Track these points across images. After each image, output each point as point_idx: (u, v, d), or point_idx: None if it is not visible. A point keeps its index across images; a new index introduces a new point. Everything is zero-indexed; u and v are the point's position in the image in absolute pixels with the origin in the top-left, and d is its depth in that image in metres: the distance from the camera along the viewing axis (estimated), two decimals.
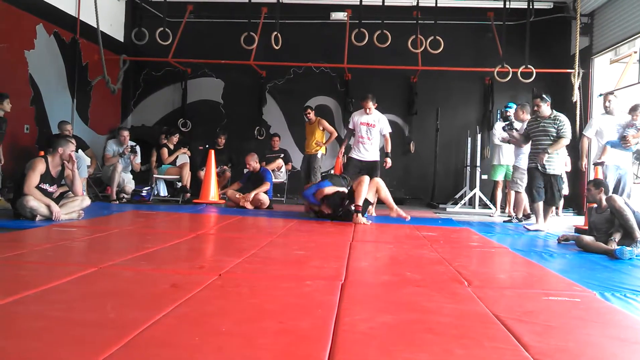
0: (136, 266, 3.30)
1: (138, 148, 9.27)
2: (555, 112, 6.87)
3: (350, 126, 8.13)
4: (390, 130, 8.06)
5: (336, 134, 9.89)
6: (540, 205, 6.85)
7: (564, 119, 6.79)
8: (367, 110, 7.84)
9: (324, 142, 9.67)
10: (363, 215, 6.60)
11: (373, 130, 7.84)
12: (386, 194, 6.87)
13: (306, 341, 2.01)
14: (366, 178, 6.71)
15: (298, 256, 4.08)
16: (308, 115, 9.70)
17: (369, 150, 7.88)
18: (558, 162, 6.82)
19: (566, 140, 6.73)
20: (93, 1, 8.63)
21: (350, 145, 8.20)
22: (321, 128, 9.64)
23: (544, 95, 6.89)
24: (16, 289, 2.55)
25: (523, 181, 7.61)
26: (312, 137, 9.67)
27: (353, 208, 6.59)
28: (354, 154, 7.96)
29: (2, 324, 2.08)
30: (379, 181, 6.85)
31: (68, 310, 2.29)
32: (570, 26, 10.61)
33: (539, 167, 6.74)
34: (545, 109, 6.84)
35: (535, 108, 6.91)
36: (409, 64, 10.55)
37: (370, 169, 7.77)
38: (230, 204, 8.77)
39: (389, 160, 7.90)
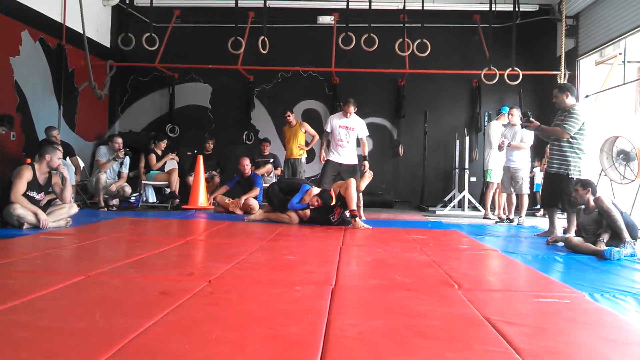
0: (125, 274, 3.28)
1: (127, 159, 9.24)
2: (575, 104, 6.05)
3: (328, 129, 8.10)
4: (368, 134, 8.05)
5: (318, 137, 9.76)
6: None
7: (576, 112, 5.91)
8: (348, 114, 7.85)
9: (306, 145, 9.63)
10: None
11: (352, 133, 7.86)
12: (352, 195, 6.61)
13: (296, 347, 2.00)
14: (352, 181, 6.70)
15: (288, 261, 4.08)
16: (288, 118, 9.64)
17: (347, 153, 7.88)
18: (579, 164, 5.96)
19: (561, 132, 5.89)
20: (79, 7, 8.59)
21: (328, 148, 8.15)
22: (303, 130, 9.60)
23: (562, 84, 6.33)
24: (3, 298, 2.52)
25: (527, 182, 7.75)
26: (294, 141, 9.59)
27: (349, 214, 6.64)
28: (332, 157, 7.94)
29: None
30: (352, 181, 6.77)
31: (56, 320, 2.27)
32: (556, 28, 10.70)
33: (553, 171, 6.10)
34: (564, 100, 6.00)
35: (553, 99, 6.15)
36: (396, 67, 10.59)
37: (350, 172, 7.77)
38: (220, 209, 8.74)
39: (366, 163, 7.89)
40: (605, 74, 10.04)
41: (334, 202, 6.72)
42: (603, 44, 9.42)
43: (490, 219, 8.70)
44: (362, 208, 7.91)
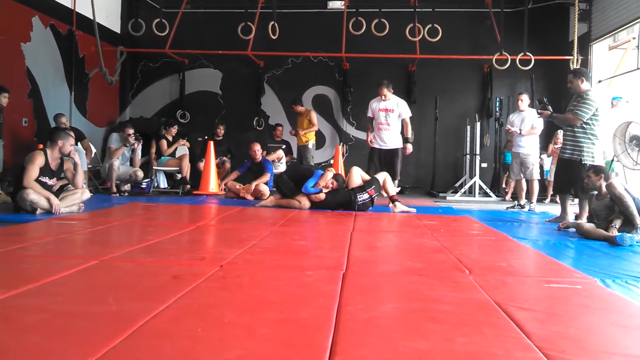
0: (137, 258, 3.31)
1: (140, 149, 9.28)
2: (590, 89, 5.93)
3: (370, 114, 8.10)
4: (410, 115, 7.94)
5: (317, 128, 9.93)
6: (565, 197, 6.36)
7: (589, 97, 5.78)
8: (382, 96, 7.80)
9: (303, 132, 9.80)
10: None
11: (392, 115, 7.80)
12: (390, 185, 6.98)
13: (308, 331, 2.01)
14: (386, 174, 6.98)
15: (299, 246, 4.09)
16: (296, 110, 9.89)
17: (389, 137, 7.82)
18: (592, 150, 5.84)
19: (573, 119, 5.80)
20: None
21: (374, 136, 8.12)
22: (308, 118, 9.71)
23: (576, 69, 6.27)
24: (17, 282, 2.55)
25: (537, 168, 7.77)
26: (300, 129, 9.85)
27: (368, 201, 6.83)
28: (375, 144, 7.94)
29: (3, 317, 2.08)
30: (386, 174, 6.95)
31: (70, 303, 2.29)
32: (569, 12, 10.57)
33: (566, 157, 6.01)
34: (579, 85, 5.88)
35: (568, 84, 6.06)
36: (407, 53, 10.52)
37: (390, 156, 7.75)
38: (231, 195, 8.77)
39: (409, 145, 7.81)
40: (618, 59, 9.93)
41: (360, 185, 6.86)
42: (616, 28, 9.30)
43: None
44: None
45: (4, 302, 2.27)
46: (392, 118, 7.80)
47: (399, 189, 7.83)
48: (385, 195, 7.17)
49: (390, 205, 7.01)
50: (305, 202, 6.87)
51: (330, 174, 6.87)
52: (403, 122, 7.86)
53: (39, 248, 3.68)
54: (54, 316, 2.10)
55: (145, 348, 1.79)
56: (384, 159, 7.76)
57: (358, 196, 6.72)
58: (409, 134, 7.88)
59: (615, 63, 9.98)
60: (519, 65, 9.78)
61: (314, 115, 9.79)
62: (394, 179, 7.69)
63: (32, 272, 2.87)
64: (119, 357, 1.71)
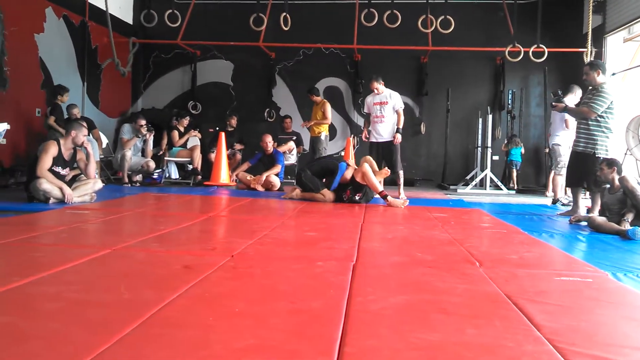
0: (149, 248, 3.33)
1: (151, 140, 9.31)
2: (605, 82, 5.86)
3: (365, 110, 8.10)
4: (403, 106, 7.92)
5: (329, 122, 9.91)
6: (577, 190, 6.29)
7: (604, 90, 5.72)
8: (376, 90, 7.80)
9: (314, 123, 9.83)
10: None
11: (386, 107, 7.78)
12: (371, 180, 6.63)
13: (318, 321, 2.02)
14: (365, 165, 6.71)
15: (309, 237, 4.10)
16: (312, 99, 9.89)
17: (384, 129, 7.80)
18: (606, 143, 5.80)
19: (588, 112, 5.74)
20: None
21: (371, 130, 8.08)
22: (322, 110, 9.72)
23: (593, 61, 6.20)
24: (32, 270, 2.58)
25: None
26: (314, 120, 9.85)
27: (360, 200, 6.80)
28: (373, 138, 7.93)
29: (18, 304, 2.11)
30: (366, 166, 6.77)
31: (83, 291, 2.32)
32: (583, 4, 10.46)
33: (579, 150, 5.96)
34: (595, 77, 5.79)
35: (584, 77, 5.95)
36: (419, 44, 10.49)
37: (387, 148, 7.73)
38: (242, 186, 8.79)
39: (398, 135, 7.78)
40: (633, 52, 9.82)
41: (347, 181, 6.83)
42: (631, 20, 9.19)
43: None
44: (402, 186, 7.78)
45: (20, 289, 2.30)
46: (386, 110, 7.78)
47: (401, 180, 7.72)
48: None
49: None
50: (330, 195, 6.87)
51: (349, 171, 6.85)
52: (396, 113, 7.85)
53: (52, 237, 3.72)
54: (69, 304, 2.13)
55: (157, 336, 1.81)
56: (382, 152, 7.74)
57: (342, 196, 6.79)
58: (401, 124, 7.85)
59: (630, 55, 9.88)
60: (532, 58, 9.72)
61: (329, 108, 9.76)
62: (393, 171, 7.56)
63: (46, 260, 2.91)
64: (131, 345, 1.73)
